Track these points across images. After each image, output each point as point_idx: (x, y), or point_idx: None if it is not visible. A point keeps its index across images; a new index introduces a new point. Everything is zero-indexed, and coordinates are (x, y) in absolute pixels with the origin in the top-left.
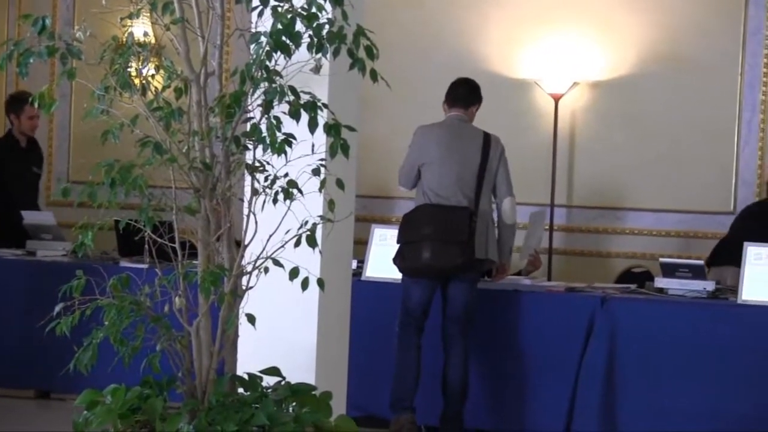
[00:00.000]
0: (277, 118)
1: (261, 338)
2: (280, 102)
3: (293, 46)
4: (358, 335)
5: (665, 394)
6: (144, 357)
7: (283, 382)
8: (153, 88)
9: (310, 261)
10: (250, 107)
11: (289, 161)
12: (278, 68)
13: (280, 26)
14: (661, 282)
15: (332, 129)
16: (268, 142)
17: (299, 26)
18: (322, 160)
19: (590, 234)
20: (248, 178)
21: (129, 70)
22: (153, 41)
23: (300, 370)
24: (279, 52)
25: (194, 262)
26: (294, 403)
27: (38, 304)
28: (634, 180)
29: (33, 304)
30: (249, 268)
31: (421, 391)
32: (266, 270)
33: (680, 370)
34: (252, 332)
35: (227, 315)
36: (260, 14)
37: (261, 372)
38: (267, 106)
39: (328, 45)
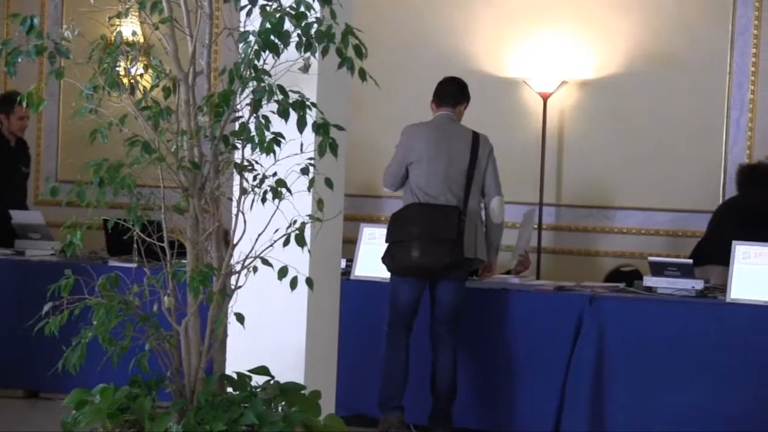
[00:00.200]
0: (265, 117)
1: (250, 337)
2: (268, 101)
3: (282, 45)
4: (347, 334)
5: (654, 393)
6: (133, 356)
7: (272, 382)
8: (141, 88)
9: (299, 260)
10: (238, 106)
11: (278, 160)
12: (267, 67)
13: (268, 25)
14: (649, 281)
15: (321, 128)
16: (256, 141)
17: (288, 25)
18: (310, 159)
19: (579, 233)
20: (237, 178)
21: (117, 69)
22: (141, 40)
23: (289, 369)
24: (267, 51)
25: (183, 261)
26: (283, 403)
27: (26, 304)
28: (622, 179)
29: (21, 304)
30: (238, 267)
31: (409, 391)
32: (255, 269)
33: (669, 369)
34: (241, 331)
35: (216, 314)
36: (249, 13)
37: (250, 371)
38: (255, 105)
39: (316, 44)
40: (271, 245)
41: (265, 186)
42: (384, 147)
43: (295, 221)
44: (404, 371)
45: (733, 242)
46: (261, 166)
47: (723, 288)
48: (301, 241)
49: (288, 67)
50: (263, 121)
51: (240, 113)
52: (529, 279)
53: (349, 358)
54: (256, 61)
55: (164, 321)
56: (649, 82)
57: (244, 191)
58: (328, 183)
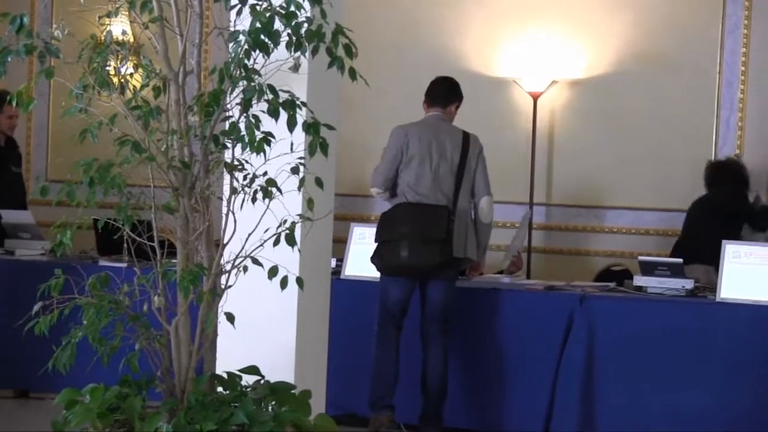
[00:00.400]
0: (255, 117)
1: (240, 337)
2: (258, 100)
3: (272, 45)
4: (338, 334)
5: (644, 393)
6: (123, 356)
7: (262, 381)
8: (131, 87)
9: (289, 260)
10: (228, 106)
11: (268, 160)
12: (257, 67)
13: (258, 25)
14: (640, 280)
15: (311, 127)
16: (246, 140)
17: (278, 25)
18: (301, 158)
19: (569, 232)
20: (227, 177)
21: (107, 68)
22: (131, 40)
23: (279, 368)
24: (258, 51)
25: (173, 260)
26: (273, 402)
27: (16, 304)
28: (613, 178)
29: (11, 304)
30: (228, 267)
31: (400, 390)
32: (245, 269)
33: (659, 369)
34: (231, 331)
35: (206, 314)
36: (239, 13)
37: (240, 371)
38: (246, 105)
39: (306, 43)
40: (262, 245)
41: (255, 185)
42: (374, 146)
43: (285, 221)
44: (395, 370)
45: (723, 242)
46: (251, 165)
47: (713, 287)
48: (291, 241)
49: (278, 66)
50: (253, 120)
51: (230, 113)
52: (520, 278)
53: (339, 358)
54: (246, 61)
55: (154, 321)
56: (639, 82)
57: (234, 191)
58: (319, 182)
